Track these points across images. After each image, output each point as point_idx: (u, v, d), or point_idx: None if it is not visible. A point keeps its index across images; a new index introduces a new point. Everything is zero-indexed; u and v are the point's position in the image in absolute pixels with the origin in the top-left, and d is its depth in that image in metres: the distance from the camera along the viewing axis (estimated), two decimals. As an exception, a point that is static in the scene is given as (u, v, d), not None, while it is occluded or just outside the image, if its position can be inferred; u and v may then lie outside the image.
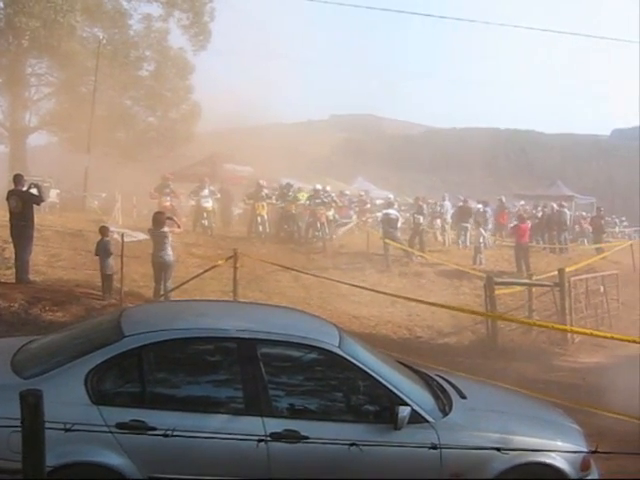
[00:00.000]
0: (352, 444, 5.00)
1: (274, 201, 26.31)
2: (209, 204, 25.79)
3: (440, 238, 29.44)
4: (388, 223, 23.69)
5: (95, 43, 36.44)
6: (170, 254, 15.08)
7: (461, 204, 29.75)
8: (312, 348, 5.98)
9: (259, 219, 25.02)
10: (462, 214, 28.57)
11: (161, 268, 15.00)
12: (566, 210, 32.56)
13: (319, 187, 27.70)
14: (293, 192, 26.98)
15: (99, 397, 5.54)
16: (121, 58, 37.75)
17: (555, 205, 35.88)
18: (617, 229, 45.27)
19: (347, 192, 34.82)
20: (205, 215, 25.30)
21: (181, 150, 41.74)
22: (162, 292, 14.76)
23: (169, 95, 40.86)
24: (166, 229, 15.07)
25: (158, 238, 15.02)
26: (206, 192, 25.88)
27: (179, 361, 5.98)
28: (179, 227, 15.82)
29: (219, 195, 27.46)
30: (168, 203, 23.27)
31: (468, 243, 27.36)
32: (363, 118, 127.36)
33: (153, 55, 40.15)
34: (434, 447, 5.12)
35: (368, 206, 33.34)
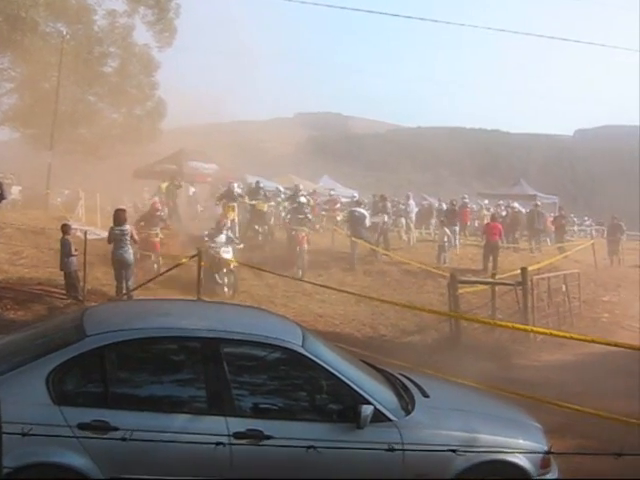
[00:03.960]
0: (310, 447, 5.04)
1: (247, 201, 26.15)
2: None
3: (405, 237, 29.50)
4: (355, 221, 23.72)
5: (58, 38, 35.91)
6: (130, 252, 14.99)
7: (448, 206, 30.00)
8: (275, 347, 5.98)
9: (228, 222, 24.91)
10: (449, 216, 28.61)
11: (121, 266, 14.91)
12: (542, 210, 32.98)
13: (302, 188, 28.39)
14: (263, 192, 26.91)
15: (61, 397, 5.49)
16: (85, 54, 37.35)
17: (516, 204, 36.26)
18: (576, 228, 45.73)
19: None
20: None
21: (146, 147, 41.39)
22: (124, 291, 14.66)
23: (134, 92, 40.54)
24: (126, 227, 14.97)
25: (118, 236, 14.91)
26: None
27: (142, 361, 5.95)
28: (136, 242, 15.63)
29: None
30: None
31: (457, 244, 27.50)
32: (329, 116, 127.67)
33: (118, 51, 39.75)
34: (391, 449, 5.12)
35: (338, 205, 33.48)
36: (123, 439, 4.69)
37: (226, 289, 17.48)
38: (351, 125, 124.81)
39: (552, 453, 5.42)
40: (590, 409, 8.16)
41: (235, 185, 26.23)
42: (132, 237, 15.10)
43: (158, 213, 19.94)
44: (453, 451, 5.07)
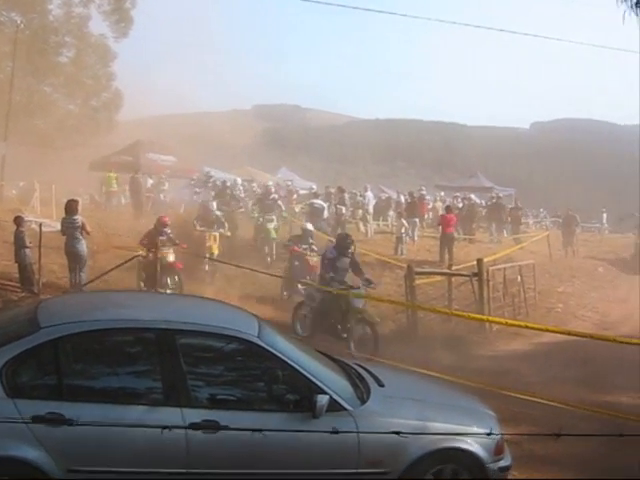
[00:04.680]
0: (258, 430, 5.10)
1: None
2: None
3: (363, 229, 29.61)
4: (314, 213, 23.76)
5: (13, 28, 35.44)
6: (82, 244, 14.83)
7: (409, 200, 30.15)
8: (231, 338, 5.99)
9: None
10: (409, 208, 28.78)
11: (74, 258, 14.77)
12: (503, 202, 33.40)
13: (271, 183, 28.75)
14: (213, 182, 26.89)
15: (15, 390, 5.44)
16: (40, 44, 36.94)
17: (472, 196, 36.61)
18: (532, 220, 46.28)
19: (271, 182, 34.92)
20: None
21: (103, 139, 41.02)
22: (78, 282, 14.53)
23: (90, 82, 40.19)
24: (77, 218, 14.80)
25: (70, 227, 14.75)
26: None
27: (97, 352, 5.91)
28: (88, 233, 15.34)
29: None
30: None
31: (416, 237, 27.65)
32: (287, 108, 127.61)
33: (73, 41, 39.38)
34: (335, 432, 5.21)
35: (295, 196, 33.49)
36: (70, 423, 4.66)
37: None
38: (309, 117, 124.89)
39: (491, 434, 5.48)
40: (543, 397, 8.28)
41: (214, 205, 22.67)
42: (83, 228, 14.91)
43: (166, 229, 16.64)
44: (397, 433, 5.12)
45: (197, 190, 27.28)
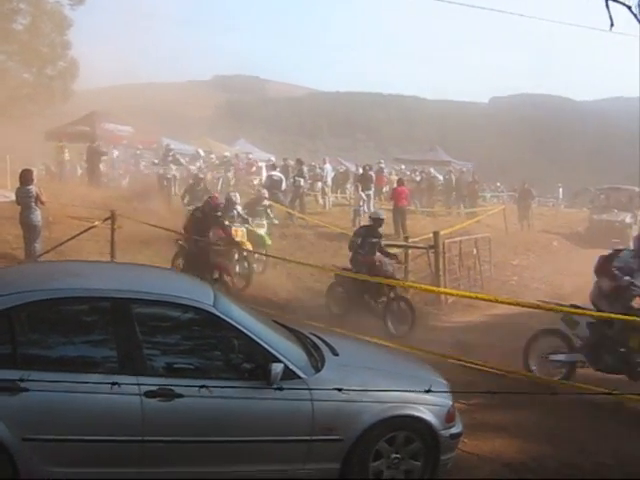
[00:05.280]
0: (202, 386, 5.27)
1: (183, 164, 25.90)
2: None
3: (321, 201, 29.71)
4: (272, 185, 23.79)
5: (-36, -6, 34.80)
6: (36, 214, 14.66)
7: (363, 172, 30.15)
8: (187, 307, 6.00)
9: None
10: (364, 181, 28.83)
11: (27, 229, 14.62)
12: (467, 176, 33.69)
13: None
14: (172, 155, 26.51)
15: None
16: (-7, 10, 36.21)
17: (431, 169, 36.83)
18: (489, 194, 46.74)
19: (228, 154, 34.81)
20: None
21: (58, 108, 40.41)
22: (33, 253, 14.40)
23: (45, 50, 39.53)
24: (32, 187, 14.65)
25: (25, 197, 14.59)
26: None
27: (51, 322, 5.88)
28: (43, 203, 15.14)
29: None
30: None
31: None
32: (247, 79, 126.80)
33: (28, 8, 38.63)
34: (279, 388, 5.44)
35: (254, 168, 33.45)
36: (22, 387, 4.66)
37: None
38: (269, 89, 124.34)
39: (430, 391, 5.59)
40: (494, 366, 8.45)
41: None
42: (38, 199, 14.75)
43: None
44: (339, 389, 5.37)
45: (155, 161, 26.99)
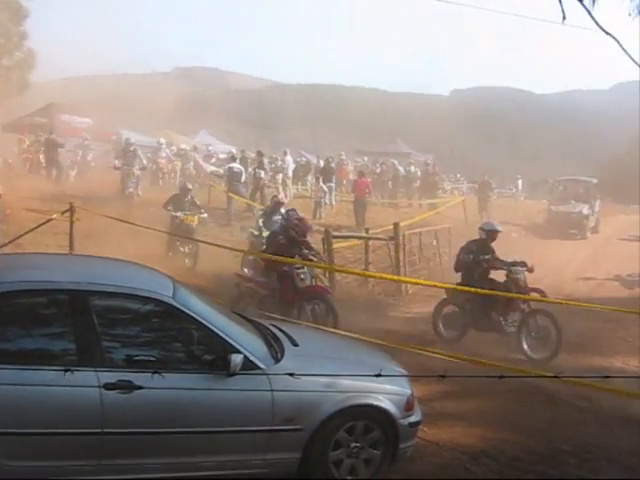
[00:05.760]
0: (155, 372, 5.21)
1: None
2: None
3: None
4: (232, 177, 23.74)
5: None
6: None
7: (325, 164, 30.17)
8: (146, 299, 5.97)
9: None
10: (325, 173, 28.89)
11: None
12: (428, 168, 33.85)
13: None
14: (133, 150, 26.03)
15: None
16: (-55, 0, 35.61)
17: (394, 162, 36.97)
18: (450, 186, 47.04)
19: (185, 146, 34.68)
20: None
21: (15, 99, 39.87)
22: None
23: (1, 41, 38.89)
24: None
25: None
26: None
27: (8, 315, 5.80)
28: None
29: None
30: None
31: (333, 201, 27.80)
32: (208, 71, 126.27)
33: (-18, -2, 38.01)
34: (233, 374, 5.57)
35: (213, 160, 33.33)
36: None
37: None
38: (230, 81, 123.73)
39: (381, 376, 5.61)
40: (452, 355, 8.53)
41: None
42: None
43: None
44: (290, 374, 5.39)
45: (117, 163, 25.43)
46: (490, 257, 12.54)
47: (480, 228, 13.26)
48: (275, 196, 17.79)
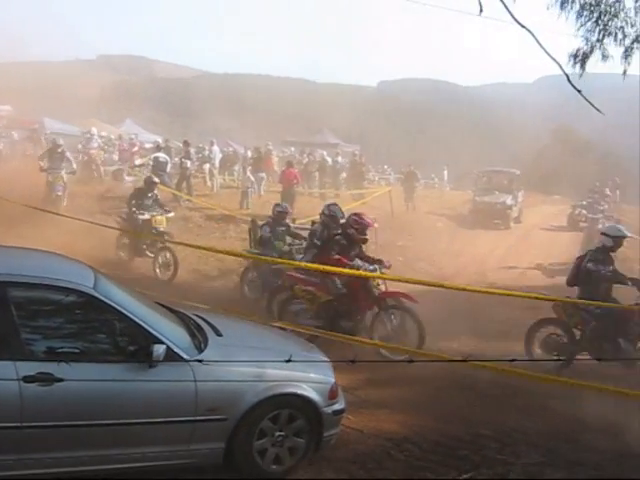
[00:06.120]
0: (61, 361, 5.27)
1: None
2: None
3: (209, 183, 29.57)
4: (158, 167, 23.50)
5: None
6: None
7: (256, 155, 30.05)
8: (66, 290, 5.87)
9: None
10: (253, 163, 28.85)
11: None
12: (357, 159, 34.00)
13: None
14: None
15: None
16: None
17: (324, 152, 37.09)
18: (377, 177, 47.36)
19: (112, 136, 34.10)
20: None
21: None
22: None
23: None
24: None
25: None
26: None
27: None
28: None
29: None
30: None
31: (262, 192, 27.73)
32: (134, 59, 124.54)
33: None
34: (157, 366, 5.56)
35: (136, 149, 32.90)
36: None
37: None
38: (156, 69, 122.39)
39: (290, 361, 5.66)
40: (378, 344, 8.64)
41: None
42: None
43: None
44: (199, 361, 5.53)
45: (42, 164, 23.95)
46: (613, 269, 10.77)
47: (603, 233, 11.25)
48: (278, 204, 15.54)
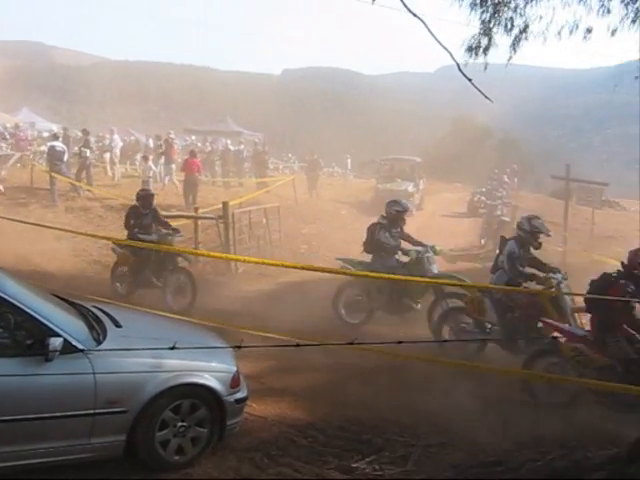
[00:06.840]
0: None
1: None
2: None
3: (110, 172, 29.05)
4: (54, 156, 22.94)
5: None
6: None
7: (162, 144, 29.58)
8: None
9: None
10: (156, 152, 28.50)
11: None
12: (259, 147, 33.86)
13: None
14: None
15: None
16: None
17: (228, 141, 36.91)
18: (281, 165, 47.48)
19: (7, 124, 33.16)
20: None
21: None
22: None
23: None
24: None
25: None
26: None
27: None
28: None
29: None
30: None
31: (166, 181, 27.35)
32: (30, 45, 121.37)
33: None
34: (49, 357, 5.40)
35: (29, 138, 32.12)
36: None
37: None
38: (55, 56, 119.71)
39: (174, 348, 5.62)
40: (275, 332, 8.63)
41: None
42: None
43: None
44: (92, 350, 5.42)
45: None
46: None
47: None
48: (394, 201, 13.66)
